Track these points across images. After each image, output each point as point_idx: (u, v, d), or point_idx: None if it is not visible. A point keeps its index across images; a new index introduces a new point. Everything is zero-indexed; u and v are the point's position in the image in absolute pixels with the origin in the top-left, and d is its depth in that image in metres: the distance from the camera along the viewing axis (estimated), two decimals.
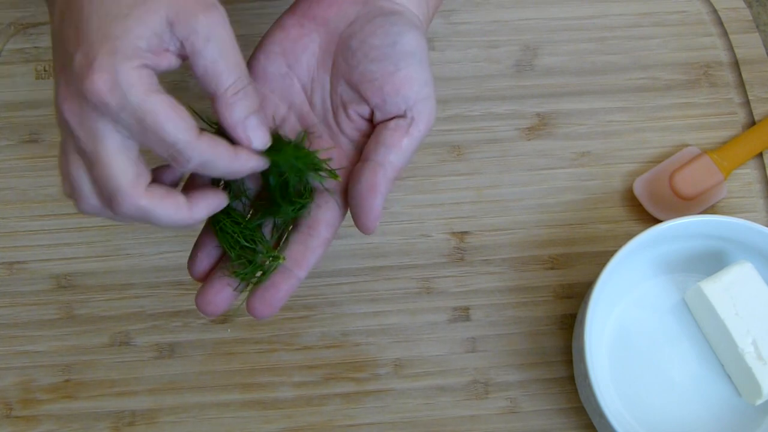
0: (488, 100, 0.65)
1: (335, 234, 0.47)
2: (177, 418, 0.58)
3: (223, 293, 0.46)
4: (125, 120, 0.38)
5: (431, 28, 0.60)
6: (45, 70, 0.65)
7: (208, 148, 0.40)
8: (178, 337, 0.59)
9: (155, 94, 0.38)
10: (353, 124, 0.46)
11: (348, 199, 0.46)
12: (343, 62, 0.46)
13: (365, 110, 0.46)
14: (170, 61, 0.40)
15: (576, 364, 0.57)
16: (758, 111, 0.65)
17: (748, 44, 0.66)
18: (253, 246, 0.45)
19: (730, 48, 0.66)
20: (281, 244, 0.47)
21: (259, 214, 0.47)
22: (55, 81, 0.40)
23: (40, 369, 0.59)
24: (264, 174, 0.45)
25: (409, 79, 0.44)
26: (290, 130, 0.47)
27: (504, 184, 0.63)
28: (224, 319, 0.60)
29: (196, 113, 0.41)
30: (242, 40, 0.41)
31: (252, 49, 0.47)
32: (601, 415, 0.52)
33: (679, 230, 0.56)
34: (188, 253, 0.47)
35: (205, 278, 0.47)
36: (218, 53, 0.40)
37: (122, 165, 0.39)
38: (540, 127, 0.64)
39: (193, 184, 0.47)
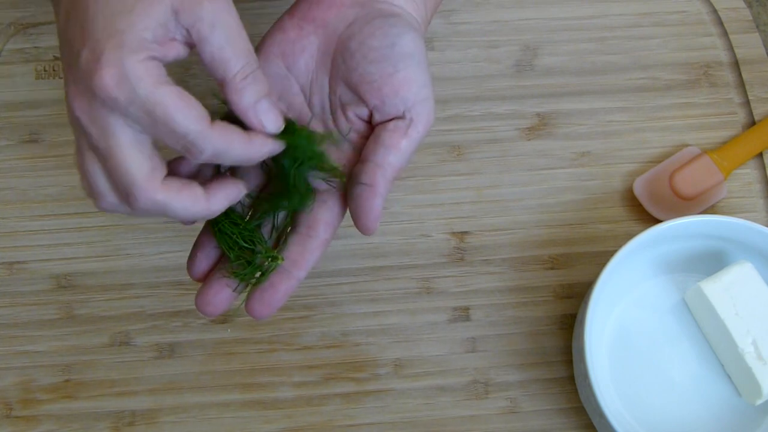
0: (488, 100, 0.65)
1: (334, 234, 0.47)
2: (177, 418, 0.58)
3: (223, 294, 0.46)
4: (135, 114, 0.38)
5: (431, 28, 0.60)
6: (45, 70, 0.65)
7: (221, 138, 0.40)
8: (178, 337, 0.59)
9: (164, 86, 0.38)
10: (352, 126, 0.46)
11: (347, 200, 0.46)
12: (342, 64, 0.46)
13: (364, 112, 0.46)
14: (178, 51, 0.40)
15: (576, 364, 0.57)
16: (758, 111, 0.65)
17: (748, 44, 0.66)
18: (252, 247, 0.45)
19: (730, 48, 0.66)
20: (280, 244, 0.47)
21: (265, 204, 0.46)
22: (64, 80, 0.40)
23: (40, 369, 0.59)
24: (275, 160, 0.44)
25: (407, 81, 0.45)
26: None
27: (504, 184, 0.63)
28: (224, 319, 0.60)
29: (214, 95, 0.41)
30: None
31: None
32: (601, 415, 0.52)
33: (679, 230, 0.56)
34: (188, 253, 0.47)
35: (205, 279, 0.47)
36: (225, 39, 0.39)
37: (136, 160, 0.39)
38: (540, 127, 0.64)
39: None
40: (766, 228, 0.55)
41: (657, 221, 0.61)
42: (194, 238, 0.48)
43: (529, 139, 0.64)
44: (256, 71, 0.41)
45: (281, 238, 0.47)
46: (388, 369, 0.59)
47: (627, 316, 0.59)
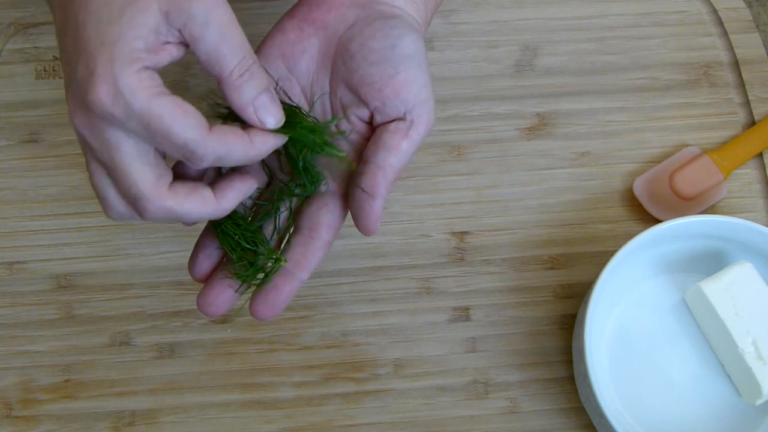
0: (488, 100, 0.65)
1: (336, 236, 0.47)
2: (177, 418, 0.58)
3: (224, 294, 0.46)
4: (134, 127, 0.38)
5: (431, 28, 0.60)
6: (45, 70, 0.65)
7: (221, 143, 0.40)
8: (178, 337, 0.59)
9: (159, 97, 0.38)
10: (353, 127, 0.47)
11: (348, 201, 0.46)
12: (343, 65, 0.46)
13: (365, 113, 0.46)
14: (172, 54, 0.39)
15: (576, 364, 0.57)
16: (758, 111, 0.65)
17: (748, 44, 0.66)
18: (255, 248, 0.45)
19: (730, 48, 0.66)
20: (282, 246, 0.47)
21: (276, 193, 0.46)
22: (66, 95, 0.40)
23: (40, 369, 0.59)
24: (278, 151, 0.44)
25: (408, 82, 0.44)
26: None
27: (504, 184, 0.63)
28: (224, 319, 0.60)
29: (212, 92, 0.40)
30: None
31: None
32: (601, 415, 0.52)
33: (679, 230, 0.56)
34: (189, 253, 0.48)
35: (206, 279, 0.47)
36: (218, 36, 0.39)
37: (141, 170, 0.39)
38: (540, 127, 0.64)
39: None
40: (766, 228, 0.55)
41: (657, 221, 0.61)
42: (194, 238, 0.48)
43: (529, 139, 0.64)
44: (253, 66, 0.41)
45: (284, 240, 0.47)
46: (388, 369, 0.59)
47: (627, 316, 0.59)
